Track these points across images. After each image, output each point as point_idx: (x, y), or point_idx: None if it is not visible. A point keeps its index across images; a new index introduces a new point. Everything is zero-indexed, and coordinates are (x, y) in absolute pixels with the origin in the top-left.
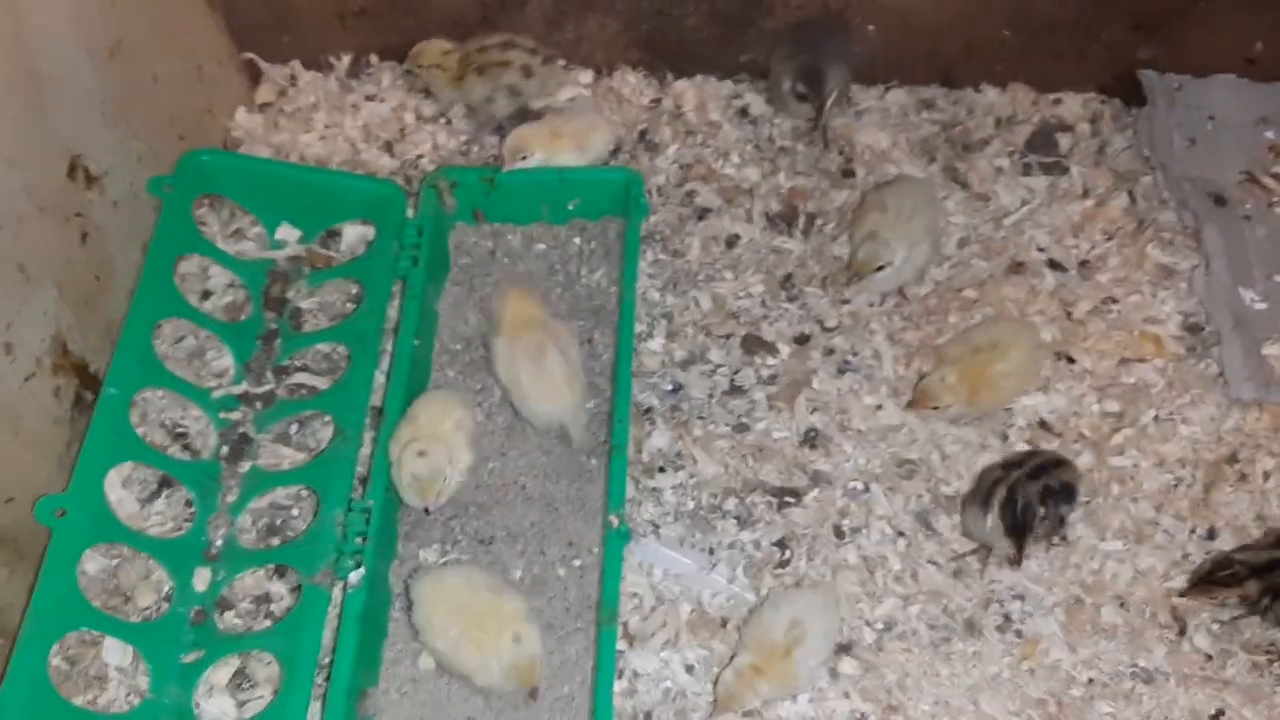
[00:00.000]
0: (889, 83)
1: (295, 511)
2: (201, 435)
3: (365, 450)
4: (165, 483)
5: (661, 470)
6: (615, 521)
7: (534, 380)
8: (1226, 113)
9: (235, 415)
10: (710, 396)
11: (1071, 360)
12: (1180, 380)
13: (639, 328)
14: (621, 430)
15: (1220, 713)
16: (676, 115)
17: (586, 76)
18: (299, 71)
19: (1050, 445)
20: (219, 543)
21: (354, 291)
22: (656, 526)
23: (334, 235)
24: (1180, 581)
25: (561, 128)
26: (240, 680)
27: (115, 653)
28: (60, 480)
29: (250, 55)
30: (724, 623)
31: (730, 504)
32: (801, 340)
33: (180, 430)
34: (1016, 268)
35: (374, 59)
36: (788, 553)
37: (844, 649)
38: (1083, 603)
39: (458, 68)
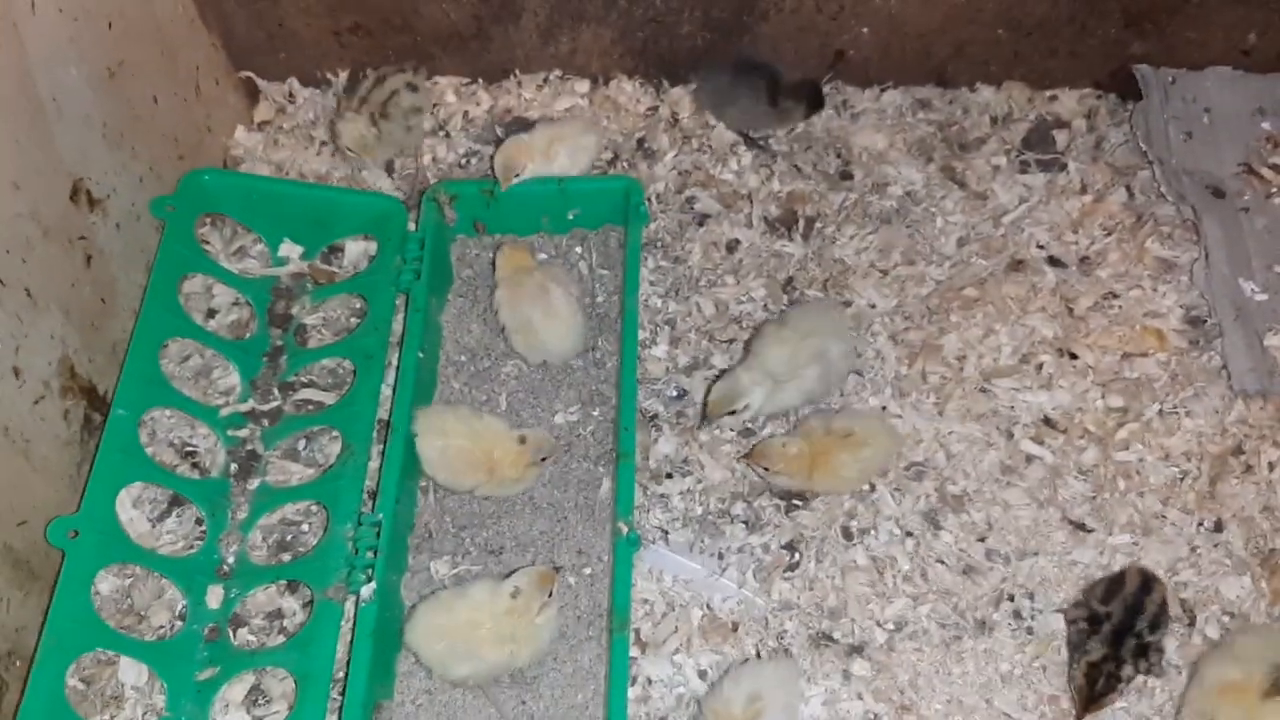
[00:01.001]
0: (884, 84)
1: (305, 527)
2: (210, 453)
3: (373, 464)
4: (176, 502)
5: (669, 476)
6: (624, 529)
7: (545, 317)
8: (1222, 105)
9: (243, 433)
10: None
11: (1074, 356)
12: (1183, 373)
13: (642, 335)
14: (628, 438)
15: None
16: (673, 122)
17: (583, 86)
18: (296, 89)
19: (1055, 441)
20: (230, 560)
21: (358, 306)
22: (665, 532)
23: (336, 251)
24: (1189, 575)
25: (550, 137)
26: (256, 696)
27: (131, 672)
28: (71, 502)
29: (248, 74)
30: (735, 627)
31: (738, 508)
32: None
33: (189, 449)
34: (1017, 265)
35: (370, 74)
36: (796, 555)
37: (856, 650)
38: None
39: (366, 126)
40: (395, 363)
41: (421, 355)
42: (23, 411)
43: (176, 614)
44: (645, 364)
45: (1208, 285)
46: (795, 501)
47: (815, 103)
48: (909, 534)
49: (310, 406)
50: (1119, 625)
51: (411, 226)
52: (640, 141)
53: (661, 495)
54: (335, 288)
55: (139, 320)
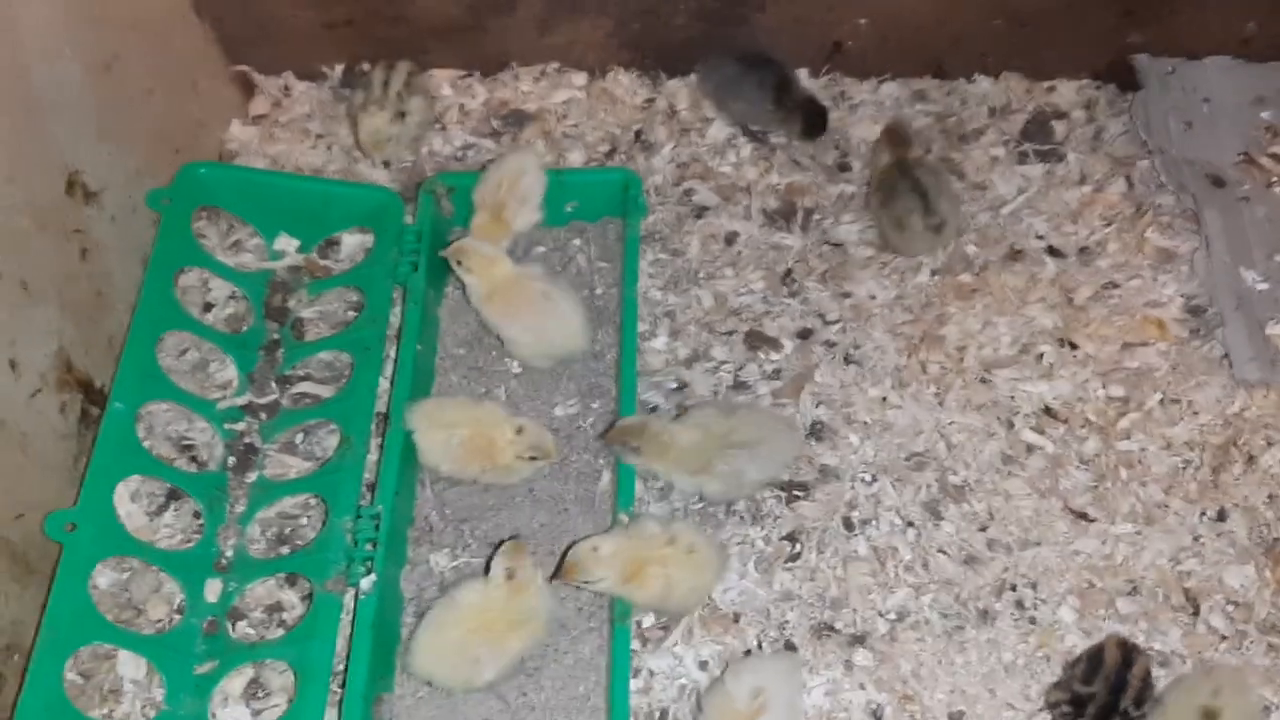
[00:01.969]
0: (882, 76)
1: (304, 520)
2: (208, 446)
3: (372, 457)
4: (173, 495)
5: None
6: (625, 520)
7: (556, 323)
8: (1222, 94)
9: (240, 426)
10: (715, 393)
11: (1075, 346)
12: (1184, 363)
13: (642, 327)
14: None
15: None
16: (671, 114)
17: (580, 79)
18: (292, 82)
19: (1056, 431)
20: (229, 553)
21: (355, 299)
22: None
23: (333, 244)
24: (1192, 564)
25: (497, 202)
26: (255, 689)
27: (130, 666)
28: (68, 496)
29: (243, 68)
30: (736, 618)
31: (739, 500)
32: (804, 335)
33: (187, 442)
34: (1016, 255)
35: (366, 67)
36: (798, 546)
37: (858, 640)
38: (1095, 587)
39: (389, 117)
40: (393, 355)
41: (420, 348)
42: (19, 405)
43: (175, 607)
44: (645, 356)
45: (1208, 275)
46: (796, 493)
47: (816, 126)
48: (910, 524)
49: (308, 400)
50: (1103, 706)
51: (409, 219)
52: (638, 134)
53: (661, 487)
54: (332, 280)
55: (136, 313)
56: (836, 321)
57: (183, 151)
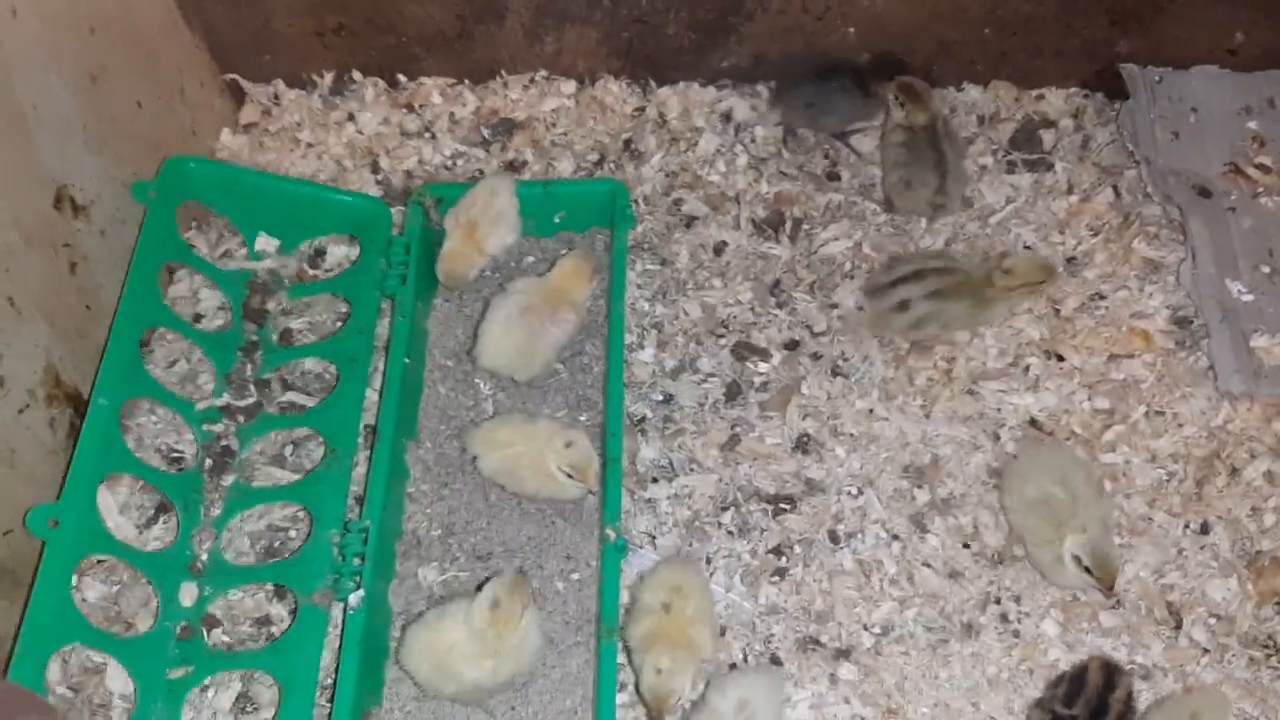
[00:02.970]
0: None
1: (293, 533)
2: (186, 445)
3: (360, 470)
4: (163, 508)
5: (655, 481)
6: (612, 535)
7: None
8: (1209, 104)
9: (217, 428)
10: (702, 405)
11: (1061, 358)
12: (1170, 375)
13: (629, 338)
14: (615, 443)
15: None
16: (661, 123)
17: (569, 87)
18: (282, 90)
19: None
20: (204, 557)
21: (343, 310)
22: (653, 537)
23: (320, 254)
24: (1175, 578)
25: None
26: (244, 703)
27: (118, 680)
28: None
29: (232, 76)
30: (722, 631)
31: (725, 513)
32: (791, 346)
33: (176, 455)
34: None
35: (357, 75)
36: (784, 559)
37: (843, 654)
38: (1079, 600)
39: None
40: (381, 367)
41: (408, 360)
42: (7, 420)
43: (149, 610)
44: (632, 368)
45: (1194, 286)
46: (782, 505)
47: (898, 68)
48: (896, 537)
49: (294, 409)
50: None
51: (395, 232)
52: (627, 143)
53: (649, 500)
54: (314, 286)
55: (119, 307)
56: (824, 333)
57: None
